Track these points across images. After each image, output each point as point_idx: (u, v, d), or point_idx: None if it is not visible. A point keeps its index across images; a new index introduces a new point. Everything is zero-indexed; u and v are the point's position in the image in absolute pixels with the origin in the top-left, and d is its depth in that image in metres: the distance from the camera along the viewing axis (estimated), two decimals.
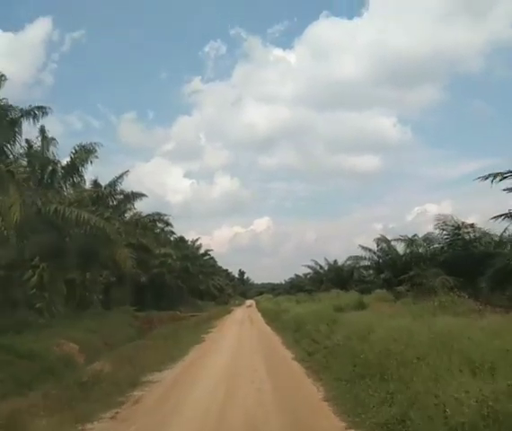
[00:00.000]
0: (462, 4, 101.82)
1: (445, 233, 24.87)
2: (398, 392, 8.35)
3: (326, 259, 56.27)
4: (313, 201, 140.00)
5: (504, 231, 22.80)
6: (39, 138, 24.81)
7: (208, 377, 13.34)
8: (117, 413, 9.41)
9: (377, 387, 9.27)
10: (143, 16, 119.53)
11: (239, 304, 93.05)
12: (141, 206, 39.51)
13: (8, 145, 22.17)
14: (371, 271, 35.16)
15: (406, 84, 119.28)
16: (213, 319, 40.62)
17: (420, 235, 29.45)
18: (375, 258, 34.01)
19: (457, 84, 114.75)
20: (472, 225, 24.13)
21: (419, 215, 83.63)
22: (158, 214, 43.20)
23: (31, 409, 8.90)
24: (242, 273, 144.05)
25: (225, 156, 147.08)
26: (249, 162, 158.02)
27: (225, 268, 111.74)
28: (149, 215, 42.55)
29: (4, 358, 12.37)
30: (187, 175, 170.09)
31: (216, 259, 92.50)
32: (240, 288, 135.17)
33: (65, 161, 26.46)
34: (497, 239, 24.55)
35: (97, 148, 27.02)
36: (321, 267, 56.55)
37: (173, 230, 55.64)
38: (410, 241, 30.15)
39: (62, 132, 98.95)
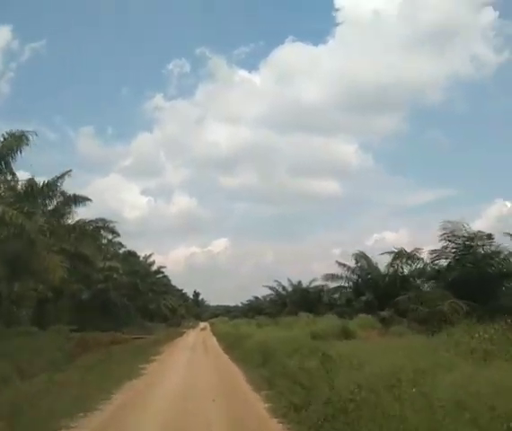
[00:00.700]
0: (424, 37, 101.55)
1: (452, 245, 19.74)
2: None
3: (290, 280, 51.10)
4: (273, 224, 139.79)
5: None
6: None
7: None
8: None
9: None
10: (106, 30, 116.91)
11: (192, 327, 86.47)
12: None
13: None
14: (348, 292, 29.78)
15: (368, 112, 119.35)
16: (161, 343, 34.47)
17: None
18: (353, 277, 28.87)
19: (417, 115, 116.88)
20: (489, 236, 19.13)
21: (377, 241, 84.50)
22: (103, 220, 36.82)
23: None
24: (196, 294, 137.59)
25: (184, 175, 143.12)
26: (209, 182, 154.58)
27: (180, 287, 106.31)
28: (92, 220, 36.23)
29: None
30: (144, 192, 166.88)
31: (172, 279, 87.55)
32: (194, 310, 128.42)
33: None
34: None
35: (30, 137, 22.25)
36: (284, 288, 51.18)
37: (122, 242, 49.44)
38: (396, 256, 25.17)
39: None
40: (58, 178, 31.53)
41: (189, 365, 20.33)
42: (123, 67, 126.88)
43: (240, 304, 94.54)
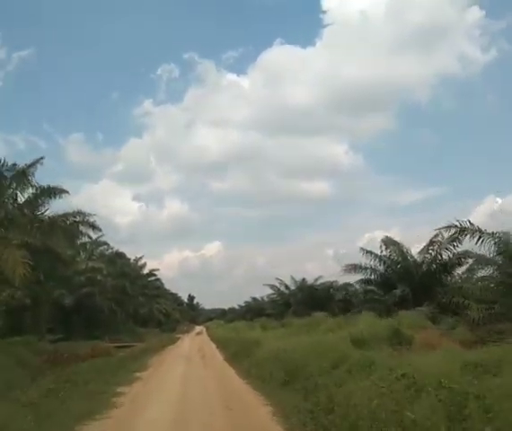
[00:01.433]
0: (412, 37, 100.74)
1: None
2: None
3: (293, 278, 45.55)
4: (265, 226, 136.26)
5: None
6: None
7: None
8: None
9: None
10: (94, 36, 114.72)
11: (187, 331, 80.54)
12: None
13: None
14: (375, 285, 24.12)
15: (357, 112, 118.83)
16: (150, 353, 28.76)
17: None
18: (379, 267, 23.31)
19: (406, 113, 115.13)
20: None
21: (369, 241, 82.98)
22: (81, 213, 31.00)
23: None
24: (191, 298, 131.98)
25: (175, 180, 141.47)
26: (200, 186, 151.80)
27: (174, 292, 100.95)
28: (67, 213, 30.49)
29: None
30: (135, 198, 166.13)
31: (165, 284, 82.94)
32: (189, 314, 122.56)
33: None
34: None
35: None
36: (286, 286, 45.57)
37: (114, 246, 43.88)
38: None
39: (5, 152, 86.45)
40: (29, 166, 26.23)
41: (185, 386, 14.54)
42: (112, 73, 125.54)
43: (236, 306, 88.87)
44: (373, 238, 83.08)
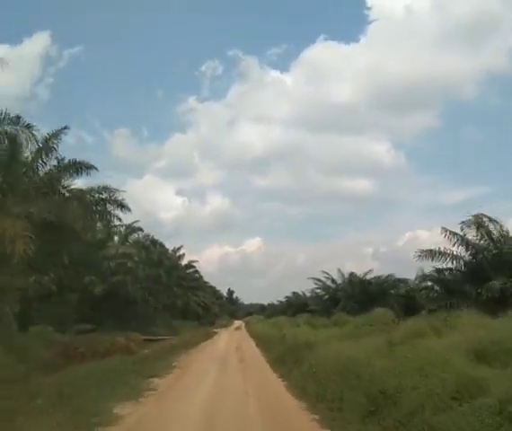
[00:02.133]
0: (457, 32, 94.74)
1: None
2: None
3: (340, 271, 40.23)
4: (305, 223, 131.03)
5: None
6: None
7: None
8: None
9: None
10: (141, 34, 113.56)
11: (226, 325, 76.39)
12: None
13: None
14: (457, 275, 18.64)
15: (400, 110, 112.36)
16: (180, 349, 24.43)
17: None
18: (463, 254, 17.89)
19: (451, 111, 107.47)
20: None
21: (410, 240, 78.88)
22: (106, 188, 26.78)
23: None
24: (231, 292, 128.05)
25: (217, 175, 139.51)
26: (242, 182, 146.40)
27: (214, 286, 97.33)
28: (91, 188, 26.41)
29: None
30: (179, 193, 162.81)
31: (206, 278, 79.61)
32: (228, 308, 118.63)
33: None
34: None
35: None
36: (333, 280, 40.32)
37: (140, 226, 39.67)
38: None
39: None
40: (51, 136, 22.44)
41: (213, 410, 9.80)
42: (158, 70, 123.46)
43: (276, 302, 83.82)
44: (414, 237, 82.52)
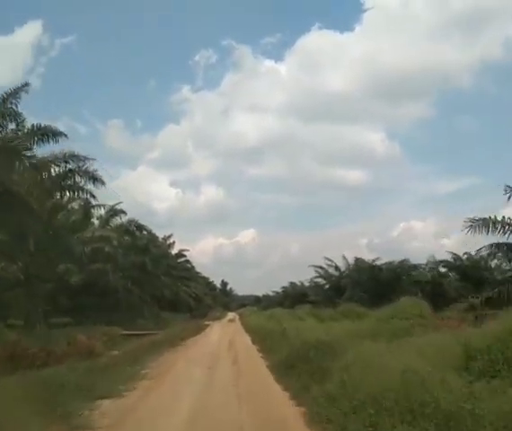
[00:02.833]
0: (453, 22, 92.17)
1: None
2: None
3: (345, 258, 35.72)
4: (299, 213, 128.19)
5: None
6: None
7: None
8: None
9: None
10: (134, 24, 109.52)
11: (219, 317, 71.73)
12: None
13: None
14: None
15: (395, 99, 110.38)
16: (163, 347, 19.77)
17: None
18: None
19: (445, 101, 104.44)
20: None
21: (404, 230, 79.58)
22: (74, 156, 21.96)
23: None
24: (224, 283, 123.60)
25: (211, 166, 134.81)
26: (236, 173, 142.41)
27: (208, 278, 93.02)
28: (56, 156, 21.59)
29: None
30: (173, 184, 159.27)
31: (199, 270, 76.55)
32: (222, 299, 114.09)
33: None
34: None
35: None
36: (337, 267, 35.82)
37: (122, 208, 34.82)
38: None
39: None
40: (9, 96, 18.23)
41: None
42: (151, 60, 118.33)
43: (271, 293, 79.25)
44: (408, 228, 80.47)
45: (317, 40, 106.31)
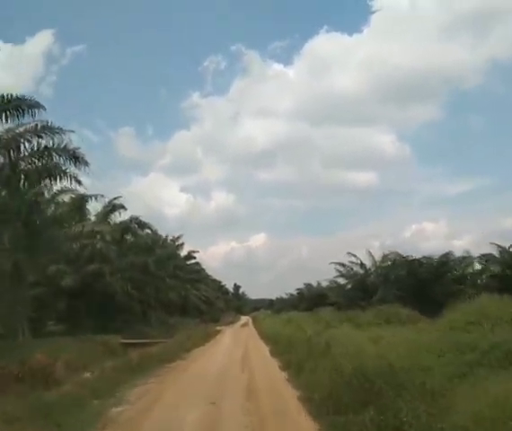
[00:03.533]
0: (461, 22, 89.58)
1: None
2: None
3: (370, 253, 30.78)
4: (310, 217, 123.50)
5: None
6: None
7: None
8: None
9: None
10: (144, 31, 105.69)
11: (232, 322, 67.01)
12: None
13: None
14: None
15: (405, 101, 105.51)
16: (156, 365, 15.01)
17: None
18: None
19: (456, 102, 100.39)
20: None
21: (416, 232, 76.32)
22: (47, 127, 17.33)
23: None
24: (237, 287, 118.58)
25: (221, 171, 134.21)
26: (246, 177, 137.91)
27: (219, 281, 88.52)
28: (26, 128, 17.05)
29: None
30: (183, 189, 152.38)
31: (211, 275, 72.51)
32: (234, 303, 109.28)
33: None
34: None
35: None
36: (362, 264, 30.88)
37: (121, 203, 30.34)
38: None
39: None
40: None
41: None
42: (161, 67, 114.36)
43: (285, 296, 74.27)
44: (420, 229, 76.93)
45: (325, 43, 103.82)
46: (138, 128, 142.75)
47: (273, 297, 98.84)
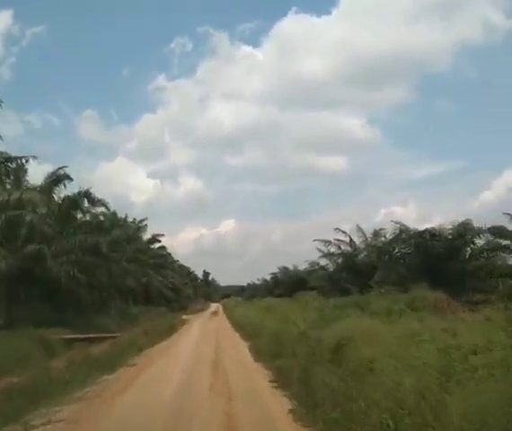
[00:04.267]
0: (430, 5, 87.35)
1: None
2: None
3: (359, 227, 26.17)
4: (280, 202, 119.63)
5: None
6: None
7: None
8: None
9: None
10: (107, 10, 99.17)
11: (201, 309, 61.81)
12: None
13: None
14: None
15: (375, 84, 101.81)
16: (98, 372, 9.76)
17: None
18: None
19: (425, 85, 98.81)
20: None
21: (386, 216, 73.07)
22: None
23: None
24: (206, 274, 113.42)
25: (190, 156, 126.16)
26: (215, 162, 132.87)
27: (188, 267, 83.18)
28: None
29: None
30: (150, 175, 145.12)
31: (181, 262, 68.35)
32: (203, 290, 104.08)
33: None
34: None
35: None
36: (351, 242, 26.17)
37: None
38: None
39: (21, 131, 78.57)
40: None
41: None
42: (125, 49, 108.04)
43: (257, 281, 69.48)
44: (389, 213, 76.28)
45: (294, 25, 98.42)
46: (102, 112, 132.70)
47: (244, 283, 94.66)
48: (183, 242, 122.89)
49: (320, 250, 29.27)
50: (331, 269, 29.78)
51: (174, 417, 6.77)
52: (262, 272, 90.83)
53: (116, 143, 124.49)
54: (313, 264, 33.51)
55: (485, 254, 18.89)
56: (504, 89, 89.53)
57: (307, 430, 5.67)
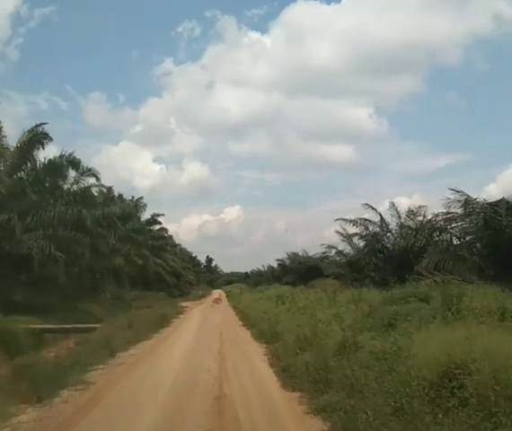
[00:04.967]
0: None
1: None
2: None
3: (393, 205, 21.45)
4: (285, 190, 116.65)
5: None
6: None
7: None
8: None
9: None
10: None
11: (203, 296, 57.26)
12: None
13: None
14: None
15: (383, 74, 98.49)
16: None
17: None
18: None
19: (434, 76, 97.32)
20: None
21: (390, 207, 59.83)
22: None
23: None
24: (209, 260, 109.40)
25: (195, 141, 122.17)
26: (220, 148, 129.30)
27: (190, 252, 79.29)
28: None
29: None
30: (156, 160, 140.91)
31: (180, 244, 64.28)
32: (206, 276, 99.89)
33: None
34: None
35: None
36: (383, 223, 21.40)
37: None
38: None
39: (27, 113, 78.57)
40: None
41: None
42: (133, 32, 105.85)
43: (262, 268, 64.87)
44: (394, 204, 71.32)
45: (303, 11, 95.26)
46: (109, 94, 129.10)
47: (246, 271, 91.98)
48: (187, 229, 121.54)
49: (339, 234, 24.62)
50: (352, 254, 25.17)
51: None
52: (265, 260, 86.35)
53: (121, 126, 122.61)
54: (330, 248, 28.86)
55: None
56: None
57: None
